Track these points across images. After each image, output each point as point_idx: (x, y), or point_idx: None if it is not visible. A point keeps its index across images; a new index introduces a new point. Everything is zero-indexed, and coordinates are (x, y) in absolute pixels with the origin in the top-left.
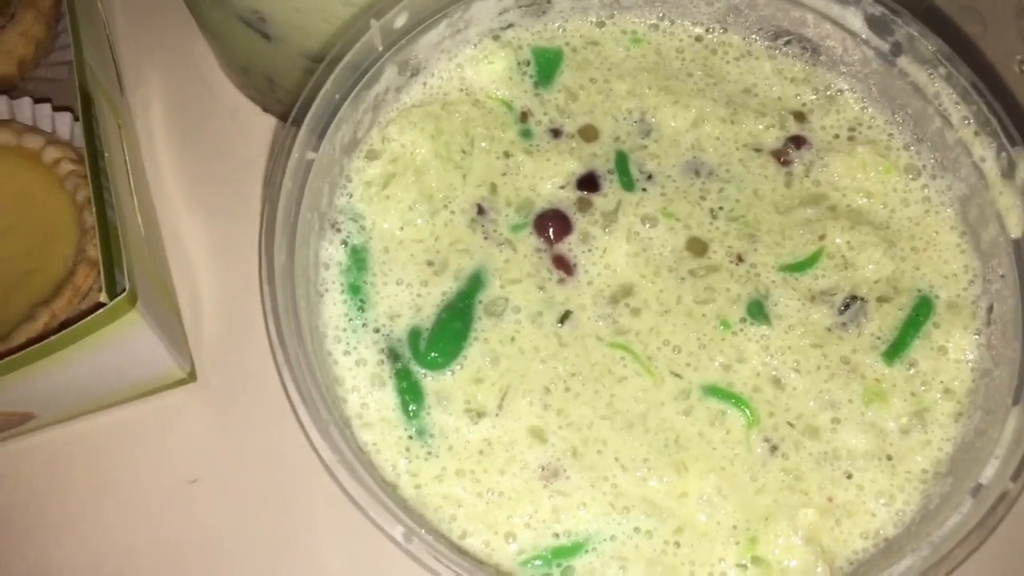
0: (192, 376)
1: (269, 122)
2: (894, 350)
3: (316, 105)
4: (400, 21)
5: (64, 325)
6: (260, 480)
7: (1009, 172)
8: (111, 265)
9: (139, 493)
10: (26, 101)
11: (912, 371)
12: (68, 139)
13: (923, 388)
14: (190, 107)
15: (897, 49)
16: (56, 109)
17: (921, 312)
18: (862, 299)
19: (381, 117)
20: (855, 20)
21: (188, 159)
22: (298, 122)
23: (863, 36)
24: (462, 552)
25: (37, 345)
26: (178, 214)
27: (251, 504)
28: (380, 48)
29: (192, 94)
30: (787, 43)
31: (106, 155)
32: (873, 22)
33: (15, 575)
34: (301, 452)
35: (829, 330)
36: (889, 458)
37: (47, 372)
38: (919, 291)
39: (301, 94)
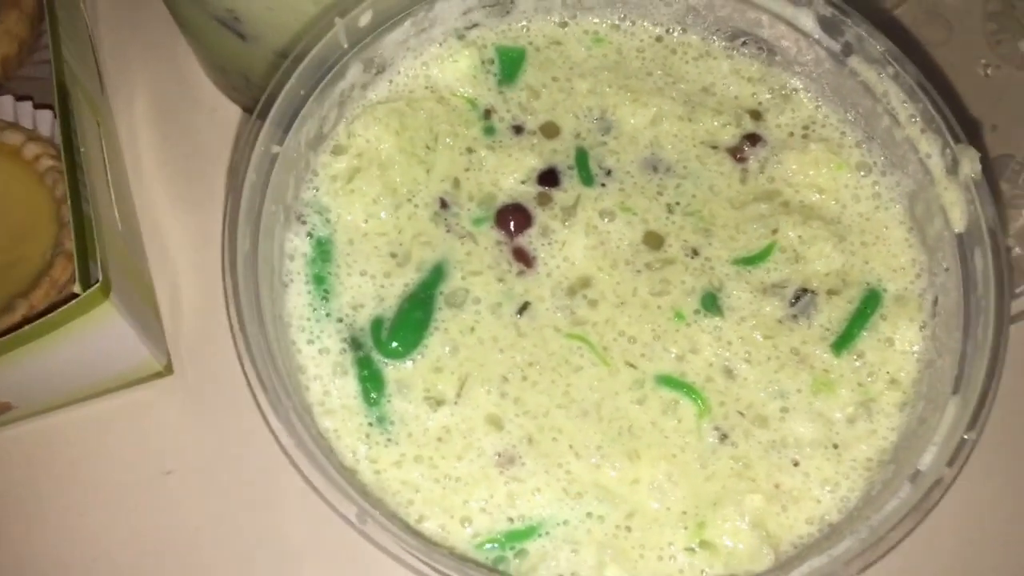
0: (169, 369)
1: (243, 118)
2: (842, 341)
3: (280, 100)
4: (365, 19)
5: (41, 317)
6: (234, 471)
7: (953, 168)
8: (85, 256)
9: (115, 483)
10: (8, 99)
11: (859, 362)
12: (49, 136)
13: (870, 379)
14: (171, 106)
15: (848, 49)
16: (37, 107)
17: (869, 305)
18: (812, 292)
19: (347, 113)
20: (807, 21)
21: (169, 157)
22: (263, 116)
23: (815, 36)
24: (416, 534)
25: (11, 334)
26: (159, 210)
27: (225, 495)
28: (345, 45)
29: (173, 93)
30: (744, 44)
31: (82, 150)
32: (824, 23)
33: None
34: (273, 444)
35: (780, 322)
36: (835, 446)
37: (23, 361)
38: (868, 284)
39: (266, 91)
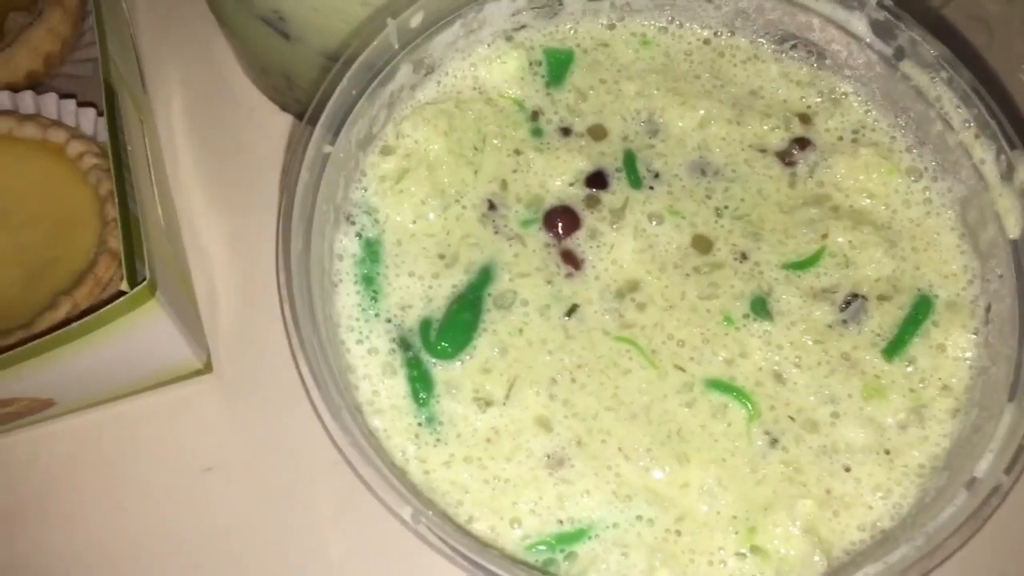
0: (208, 367)
1: (286, 120)
2: (894, 347)
3: (333, 101)
4: (416, 21)
5: (85, 314)
6: (272, 470)
7: (1008, 174)
8: (132, 255)
9: (155, 479)
10: (51, 96)
11: (911, 368)
12: (92, 134)
13: (921, 385)
14: (210, 105)
15: (900, 53)
16: (80, 105)
17: (921, 311)
18: (863, 297)
19: (396, 114)
20: (860, 24)
21: (207, 156)
22: (315, 118)
23: (867, 40)
24: (468, 535)
25: (59, 331)
26: (197, 209)
27: (263, 492)
28: (396, 47)
29: (212, 92)
30: (793, 47)
31: (128, 148)
32: (877, 27)
33: (33, 558)
34: (313, 443)
35: (830, 327)
36: (887, 452)
37: (68, 359)
38: (919, 290)
39: (318, 92)
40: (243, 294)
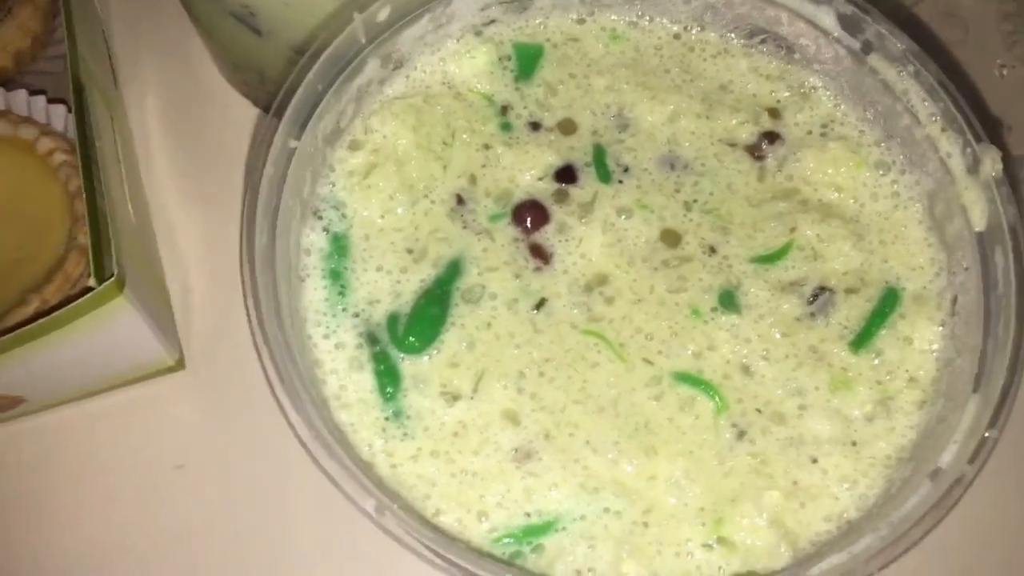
0: (180, 364)
1: (260, 116)
2: (861, 340)
3: (298, 95)
4: (383, 15)
5: (54, 311)
6: (244, 467)
7: (974, 168)
8: (100, 251)
9: (126, 477)
10: (21, 93)
11: (878, 360)
12: (62, 131)
13: (888, 377)
14: (183, 101)
15: (868, 47)
16: (51, 101)
17: (888, 303)
18: (831, 290)
19: (364, 108)
20: (827, 18)
21: (181, 152)
22: (280, 112)
23: (835, 34)
24: (434, 528)
25: (27, 327)
26: (170, 206)
27: (236, 489)
28: (363, 41)
29: (185, 89)
30: (763, 41)
31: (97, 144)
32: (844, 21)
33: (2, 557)
34: (286, 440)
35: (798, 320)
36: (854, 444)
37: (37, 355)
38: (886, 283)
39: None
40: (217, 290)
